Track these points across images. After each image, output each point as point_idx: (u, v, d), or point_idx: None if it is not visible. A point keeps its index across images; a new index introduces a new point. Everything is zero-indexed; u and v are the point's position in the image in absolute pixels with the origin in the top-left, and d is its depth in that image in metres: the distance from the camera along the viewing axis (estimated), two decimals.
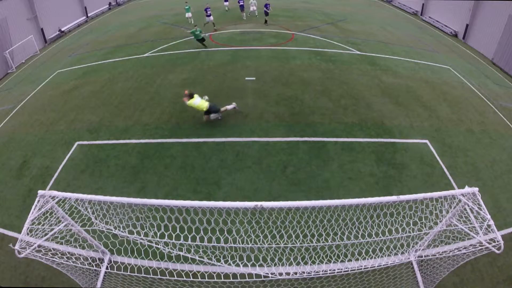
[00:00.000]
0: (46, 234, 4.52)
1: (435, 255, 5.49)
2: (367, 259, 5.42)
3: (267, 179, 8.25)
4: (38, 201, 4.32)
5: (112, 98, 12.22)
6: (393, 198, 4.22)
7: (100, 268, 5.89)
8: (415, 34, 21.09)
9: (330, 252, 5.32)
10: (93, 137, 10.02)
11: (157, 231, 4.44)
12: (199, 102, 9.87)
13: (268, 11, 20.27)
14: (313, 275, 5.17)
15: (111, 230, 4.83)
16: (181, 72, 14.07)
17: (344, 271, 5.11)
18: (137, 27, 22.03)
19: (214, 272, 5.86)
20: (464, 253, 4.76)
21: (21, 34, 19.18)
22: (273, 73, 13.63)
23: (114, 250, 5.79)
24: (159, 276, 4.91)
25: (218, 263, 4.82)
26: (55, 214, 4.64)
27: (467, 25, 20.16)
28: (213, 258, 4.78)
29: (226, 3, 23.87)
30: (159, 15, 25.00)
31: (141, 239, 4.68)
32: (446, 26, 22.57)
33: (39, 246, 4.47)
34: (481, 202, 4.33)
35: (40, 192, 4.30)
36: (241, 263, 4.61)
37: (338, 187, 8.00)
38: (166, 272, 4.71)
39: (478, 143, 9.69)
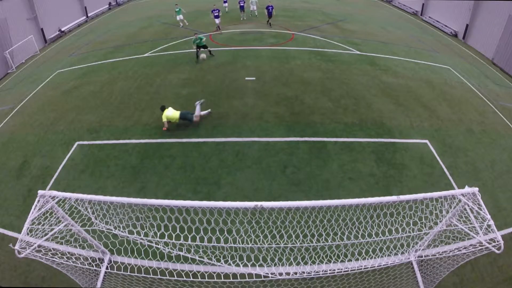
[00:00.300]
0: (46, 234, 4.52)
1: (435, 255, 5.49)
2: (367, 259, 5.41)
3: (267, 179, 8.25)
4: (38, 201, 4.31)
5: (112, 98, 12.23)
6: (393, 198, 4.22)
7: (100, 268, 5.88)
8: (415, 34, 21.09)
9: (330, 252, 5.32)
10: (93, 137, 10.02)
11: (157, 231, 4.44)
12: (172, 114, 10.01)
13: (271, 13, 20.00)
14: (313, 275, 5.17)
15: (111, 230, 4.83)
16: (181, 72, 14.07)
17: (344, 271, 5.11)
18: (137, 27, 22.04)
19: (214, 272, 5.86)
20: (464, 253, 4.76)
21: (21, 34, 19.18)
22: (273, 73, 13.63)
23: (114, 250, 5.79)
24: (159, 276, 4.90)
25: (218, 263, 4.82)
26: (55, 214, 4.64)
27: (467, 25, 20.16)
28: (213, 258, 4.78)
29: (225, 4, 23.85)
30: (159, 15, 25.01)
31: (141, 239, 4.68)
32: (446, 26, 22.58)
33: (39, 246, 4.47)
34: (481, 202, 4.33)
35: (40, 192, 4.30)
36: (241, 263, 4.61)
37: (338, 187, 8.00)
38: (166, 272, 4.71)
39: (478, 143, 9.69)
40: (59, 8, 23.41)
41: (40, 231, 4.45)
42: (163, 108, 10.09)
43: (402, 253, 5.58)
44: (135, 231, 4.69)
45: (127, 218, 4.81)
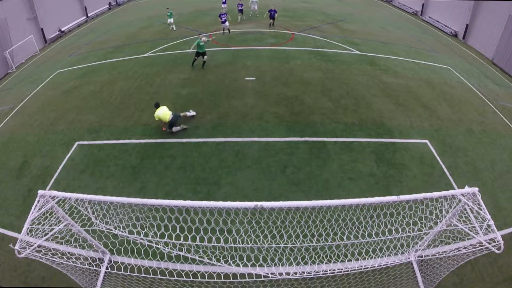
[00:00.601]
0: (46, 234, 4.52)
1: (435, 255, 5.49)
2: (367, 259, 5.41)
3: (267, 179, 8.24)
4: (38, 201, 4.31)
5: (112, 98, 12.23)
6: (393, 198, 4.22)
7: (100, 268, 5.88)
8: (415, 34, 21.09)
9: (330, 252, 5.32)
10: (93, 137, 10.02)
11: (157, 231, 4.44)
12: (162, 114, 9.65)
13: (273, 16, 19.74)
14: (313, 275, 5.17)
15: (111, 230, 4.83)
16: (181, 72, 14.07)
17: (344, 271, 5.10)
18: (137, 27, 22.04)
19: (214, 272, 5.86)
20: (464, 253, 4.76)
21: (21, 34, 19.18)
22: (273, 73, 13.63)
23: (114, 250, 5.79)
24: (159, 276, 4.90)
25: (218, 263, 4.82)
26: (55, 214, 4.64)
27: (467, 25, 20.16)
28: (213, 258, 4.78)
29: (224, 5, 23.77)
30: (159, 15, 24.97)
31: (141, 239, 4.68)
32: (446, 26, 22.58)
33: (39, 246, 4.46)
34: (481, 202, 4.33)
35: (40, 192, 4.30)
36: (241, 263, 4.60)
37: (338, 187, 8.00)
38: (166, 272, 4.71)
39: (478, 143, 9.69)
40: (59, 8, 23.41)
41: (40, 231, 4.45)
42: (157, 106, 9.83)
43: (402, 253, 5.58)
44: (135, 231, 4.69)
45: (127, 218, 4.81)
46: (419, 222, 4.79)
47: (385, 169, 8.52)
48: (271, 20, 20.01)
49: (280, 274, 5.34)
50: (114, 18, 26.82)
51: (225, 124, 10.32)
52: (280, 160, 8.81)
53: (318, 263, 5.29)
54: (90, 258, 5.46)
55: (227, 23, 18.61)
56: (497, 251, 4.13)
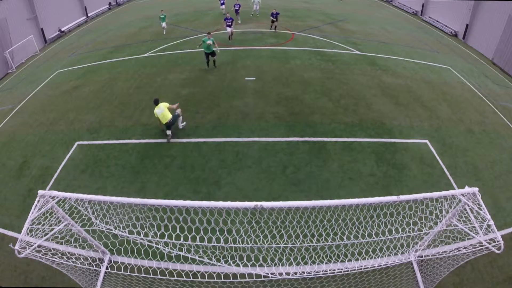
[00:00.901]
0: (46, 234, 4.52)
1: (435, 255, 5.49)
2: (367, 259, 5.41)
3: (267, 179, 8.24)
4: (38, 201, 4.31)
5: (112, 98, 12.23)
6: (393, 198, 4.22)
7: (100, 268, 5.88)
8: (415, 34, 21.09)
9: (330, 252, 5.32)
10: (93, 137, 10.02)
11: (157, 231, 4.44)
12: (160, 114, 9.21)
13: (276, 19, 18.79)
14: (313, 275, 5.18)
15: (111, 230, 4.83)
16: (181, 72, 14.07)
17: (344, 271, 5.10)
18: (137, 27, 22.03)
19: (214, 272, 5.86)
20: (464, 253, 4.76)
21: (21, 34, 19.17)
22: (273, 73, 13.63)
23: (114, 250, 5.79)
24: (159, 276, 4.90)
25: (218, 263, 4.82)
26: (55, 214, 4.64)
27: (467, 25, 20.16)
28: (213, 258, 4.78)
29: (223, 7, 23.69)
30: (159, 15, 24.96)
31: (141, 239, 4.68)
32: (446, 26, 22.58)
33: (39, 246, 4.46)
34: (481, 202, 4.33)
35: (40, 192, 4.30)
36: (241, 263, 4.61)
37: (338, 187, 8.00)
38: (166, 272, 4.71)
39: (478, 143, 9.69)
40: (59, 8, 23.40)
41: (40, 231, 4.45)
42: (156, 102, 9.37)
43: (402, 253, 5.57)
44: (135, 231, 4.69)
45: (127, 218, 4.81)
46: (419, 222, 4.79)
47: (385, 169, 8.52)
48: (273, 24, 19.01)
49: (280, 274, 5.34)
50: (114, 18, 26.82)
51: (225, 124, 10.32)
52: (280, 160, 8.81)
53: (318, 263, 5.29)
54: (90, 258, 5.46)
55: (231, 28, 17.57)
56: (497, 251, 4.13)
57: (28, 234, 4.28)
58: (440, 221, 4.91)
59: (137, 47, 17.72)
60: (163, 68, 14.62)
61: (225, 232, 4.48)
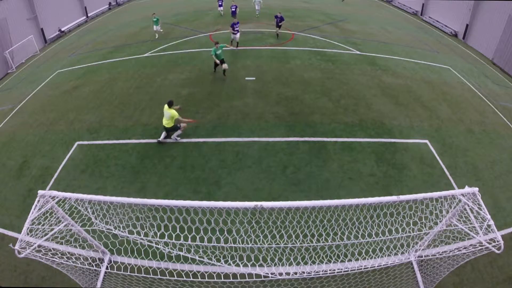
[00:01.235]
0: (46, 234, 4.52)
1: (435, 255, 5.49)
2: (367, 259, 5.41)
3: (267, 179, 8.24)
4: (38, 201, 4.31)
5: (112, 98, 12.22)
6: (393, 198, 4.22)
7: (100, 268, 5.88)
8: (415, 34, 21.09)
9: (330, 252, 5.32)
10: (93, 137, 10.02)
11: (157, 231, 4.44)
12: (164, 117, 9.11)
13: (279, 27, 18.01)
14: (313, 275, 5.18)
15: (111, 230, 4.83)
16: (181, 72, 14.07)
17: (344, 271, 5.10)
18: (137, 27, 22.01)
19: (214, 272, 5.86)
20: (464, 253, 4.76)
21: (21, 34, 19.16)
22: (273, 73, 13.63)
23: (114, 250, 5.79)
24: (159, 276, 4.90)
25: (218, 263, 4.82)
26: (55, 214, 4.64)
27: (467, 25, 20.17)
28: (213, 258, 4.78)
29: (221, 8, 23.65)
30: (159, 15, 24.80)
31: (141, 239, 4.68)
32: (446, 26, 22.58)
33: (39, 246, 4.46)
34: (481, 202, 4.33)
35: (40, 192, 4.30)
36: (241, 263, 4.61)
37: (338, 187, 8.00)
38: (166, 272, 4.72)
39: (478, 143, 9.69)
40: (59, 8, 23.39)
41: (40, 231, 4.45)
42: (169, 104, 9.10)
43: (402, 253, 5.58)
44: (135, 231, 4.69)
45: (127, 218, 4.81)
46: (419, 222, 4.79)
47: (385, 169, 8.52)
48: (277, 28, 18.14)
49: (280, 274, 5.34)
50: (114, 18, 26.82)
51: (225, 124, 10.32)
52: (280, 160, 8.81)
53: (318, 263, 5.29)
54: (90, 258, 5.46)
55: (238, 35, 16.39)
56: (497, 251, 4.13)
57: (28, 234, 4.28)
58: (440, 221, 4.91)
59: (137, 47, 17.71)
60: (163, 68, 14.62)
61: (225, 232, 4.48)
